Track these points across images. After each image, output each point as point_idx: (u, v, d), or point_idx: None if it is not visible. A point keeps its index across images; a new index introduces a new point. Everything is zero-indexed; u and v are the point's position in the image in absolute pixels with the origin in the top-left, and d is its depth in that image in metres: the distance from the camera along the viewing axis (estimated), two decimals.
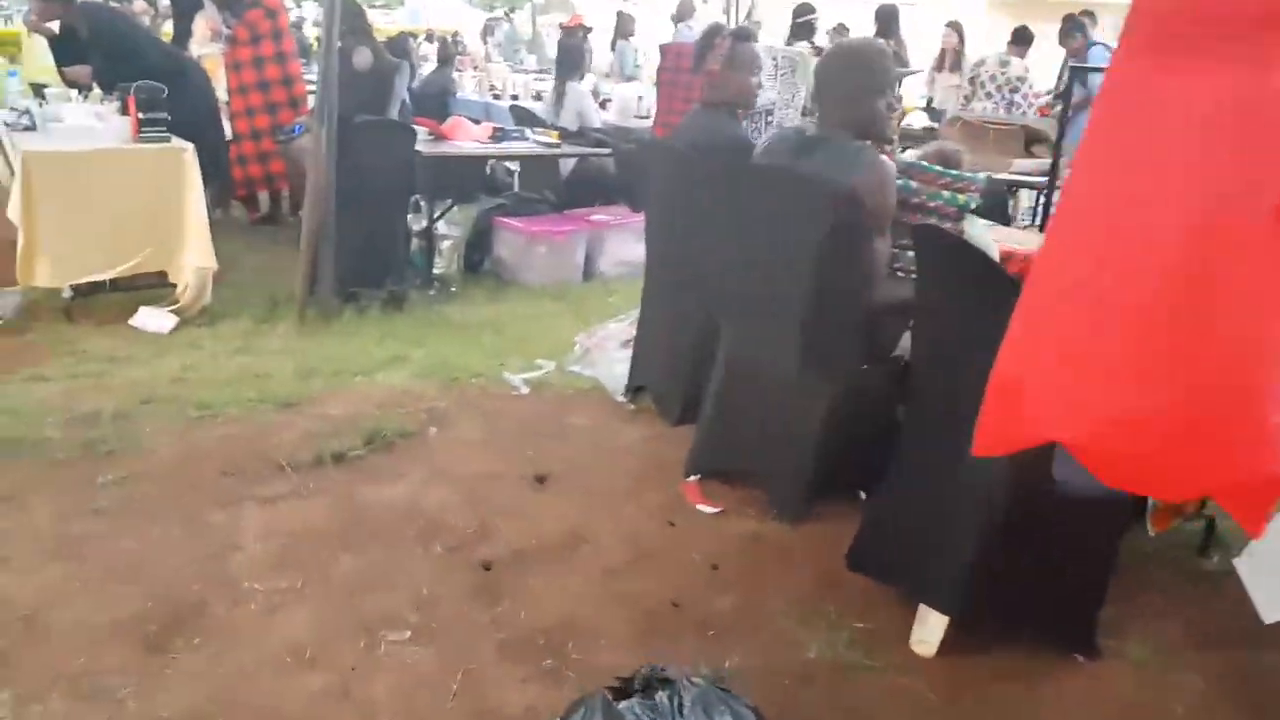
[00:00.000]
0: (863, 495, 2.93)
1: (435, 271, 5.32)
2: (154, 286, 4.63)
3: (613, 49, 11.24)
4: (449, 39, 11.58)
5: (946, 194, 2.73)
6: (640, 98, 7.20)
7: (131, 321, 4.36)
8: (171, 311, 4.42)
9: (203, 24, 6.49)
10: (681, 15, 11.07)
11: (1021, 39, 8.76)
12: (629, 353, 3.95)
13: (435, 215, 5.29)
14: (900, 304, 2.63)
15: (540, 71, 11.86)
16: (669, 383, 3.55)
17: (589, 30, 12.22)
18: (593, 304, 5.26)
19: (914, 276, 2.72)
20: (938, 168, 2.75)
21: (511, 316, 4.92)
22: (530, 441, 3.33)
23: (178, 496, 2.80)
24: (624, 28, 11.17)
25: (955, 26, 9.37)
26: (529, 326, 4.77)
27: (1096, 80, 7.41)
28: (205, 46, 6.44)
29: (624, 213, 6.04)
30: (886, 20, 8.37)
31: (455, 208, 5.54)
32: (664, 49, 4.46)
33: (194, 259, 4.45)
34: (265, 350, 4.16)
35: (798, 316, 2.60)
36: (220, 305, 4.60)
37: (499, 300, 5.20)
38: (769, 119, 4.56)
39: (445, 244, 5.38)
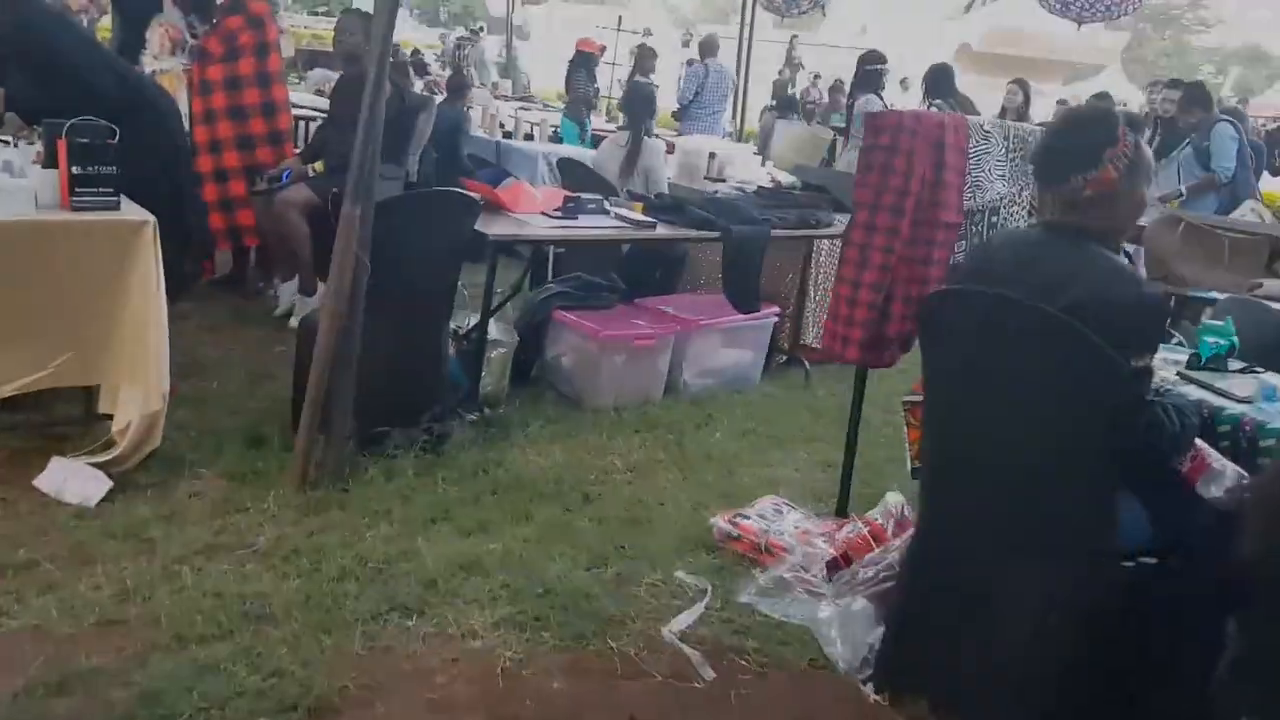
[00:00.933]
0: None
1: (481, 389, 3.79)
2: (74, 422, 3.03)
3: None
4: (461, 64, 9.91)
5: None
6: (712, 155, 5.74)
7: (37, 482, 2.76)
8: (101, 466, 2.82)
9: (160, 31, 4.87)
10: (707, 51, 9.69)
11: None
12: (857, 602, 2.44)
13: (490, 309, 3.75)
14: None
15: (522, 101, 10.33)
16: (982, 698, 2.05)
17: (600, 55, 10.78)
18: (694, 438, 3.88)
19: None
20: None
21: (596, 469, 3.46)
22: None
23: None
24: (644, 64, 9.62)
25: (1021, 84, 7.97)
26: (631, 490, 3.33)
27: (1225, 164, 6.06)
28: (162, 60, 4.82)
29: (711, 305, 4.58)
30: (938, 79, 7.04)
31: (508, 302, 4.02)
32: (876, 119, 2.99)
33: (140, 387, 2.86)
34: (251, 547, 2.61)
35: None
36: (175, 446, 3.03)
37: (567, 433, 3.73)
38: (993, 220, 3.16)
39: (495, 353, 3.85)
